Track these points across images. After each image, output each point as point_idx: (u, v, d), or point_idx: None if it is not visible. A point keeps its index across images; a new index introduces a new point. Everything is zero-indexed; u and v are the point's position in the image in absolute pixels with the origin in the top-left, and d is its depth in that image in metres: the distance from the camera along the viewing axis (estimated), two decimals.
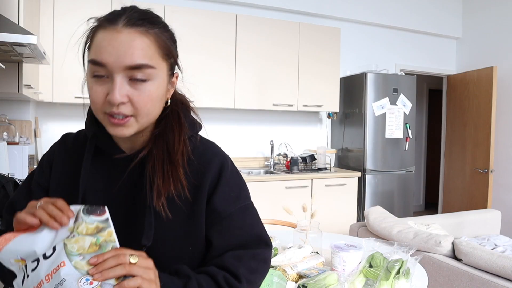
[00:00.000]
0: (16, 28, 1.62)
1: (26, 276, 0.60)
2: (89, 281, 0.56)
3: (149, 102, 0.69)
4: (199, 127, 0.86)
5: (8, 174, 1.90)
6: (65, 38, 2.90)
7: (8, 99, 2.83)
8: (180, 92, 0.83)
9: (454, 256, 2.11)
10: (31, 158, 2.76)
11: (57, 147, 0.84)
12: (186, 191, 0.74)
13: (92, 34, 0.69)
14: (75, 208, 0.64)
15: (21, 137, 2.64)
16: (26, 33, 1.61)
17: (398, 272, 1.31)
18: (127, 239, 0.67)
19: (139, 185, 0.74)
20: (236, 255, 0.74)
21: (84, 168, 0.74)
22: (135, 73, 0.66)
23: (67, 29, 2.90)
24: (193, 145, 0.80)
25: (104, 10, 2.66)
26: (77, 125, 3.38)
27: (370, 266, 1.38)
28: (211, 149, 0.84)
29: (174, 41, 0.78)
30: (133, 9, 0.71)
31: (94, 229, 0.61)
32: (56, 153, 0.82)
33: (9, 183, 1.38)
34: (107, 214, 0.63)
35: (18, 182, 1.42)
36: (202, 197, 0.75)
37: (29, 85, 2.22)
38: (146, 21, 0.71)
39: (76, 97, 2.93)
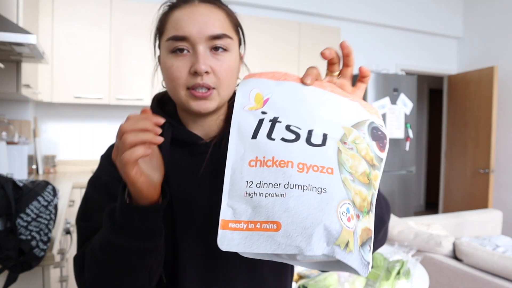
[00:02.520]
0: (15, 28, 1.61)
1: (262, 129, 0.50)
2: (349, 214, 0.44)
3: (229, 72, 0.71)
4: None
5: (7, 174, 1.89)
6: (64, 38, 2.90)
7: (7, 99, 2.82)
8: None
9: (455, 256, 2.10)
10: (30, 158, 2.76)
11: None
12: None
13: (164, 17, 0.71)
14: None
15: (20, 137, 2.63)
16: (25, 33, 1.60)
17: (398, 273, 1.30)
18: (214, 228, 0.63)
19: (220, 171, 0.67)
20: None
21: (165, 159, 0.67)
22: (216, 42, 0.68)
23: (66, 28, 2.90)
24: None
25: (103, 10, 2.66)
26: (76, 125, 3.39)
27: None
28: None
29: (239, 21, 0.79)
30: None
31: (371, 159, 0.51)
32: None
33: (8, 183, 1.37)
34: (384, 154, 0.52)
35: (17, 182, 1.42)
36: None
37: (28, 85, 2.21)
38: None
39: (75, 97, 2.92)
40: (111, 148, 0.78)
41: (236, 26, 0.75)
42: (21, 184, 1.42)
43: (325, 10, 4.11)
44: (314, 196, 0.44)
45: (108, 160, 0.73)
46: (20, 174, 2.27)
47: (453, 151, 4.74)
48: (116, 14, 3.01)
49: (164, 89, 0.79)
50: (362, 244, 0.45)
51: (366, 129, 0.52)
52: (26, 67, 2.24)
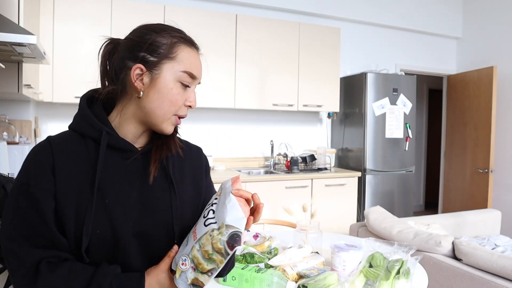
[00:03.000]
0: (16, 28, 1.62)
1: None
2: (185, 262, 0.77)
3: None
4: None
5: (8, 174, 1.90)
6: (65, 38, 2.90)
7: (8, 99, 2.83)
8: None
9: (454, 256, 2.11)
10: None
11: (55, 148, 0.80)
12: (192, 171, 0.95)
13: (176, 46, 0.82)
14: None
15: (21, 137, 2.64)
16: (26, 33, 1.61)
17: (398, 272, 1.31)
18: (156, 220, 0.82)
19: (145, 173, 0.84)
20: None
21: (100, 162, 0.78)
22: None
23: (67, 28, 2.90)
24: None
25: (104, 10, 2.66)
26: None
27: (370, 266, 1.38)
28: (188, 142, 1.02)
29: None
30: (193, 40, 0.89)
31: (219, 249, 0.74)
32: (56, 157, 0.78)
33: (9, 183, 1.38)
34: (232, 252, 0.74)
35: None
36: (204, 173, 1.00)
37: (29, 85, 2.22)
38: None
39: (76, 97, 2.93)
40: (38, 148, 0.81)
41: None
42: None
43: (325, 11, 4.11)
44: (182, 247, 0.80)
45: (36, 167, 0.78)
46: None
47: (453, 151, 4.75)
48: (117, 14, 3.02)
49: (90, 90, 0.90)
50: (190, 280, 0.76)
51: (229, 232, 0.74)
52: (27, 67, 2.25)
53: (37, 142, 3.02)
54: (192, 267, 0.76)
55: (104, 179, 0.79)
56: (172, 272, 0.79)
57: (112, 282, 0.73)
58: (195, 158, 0.98)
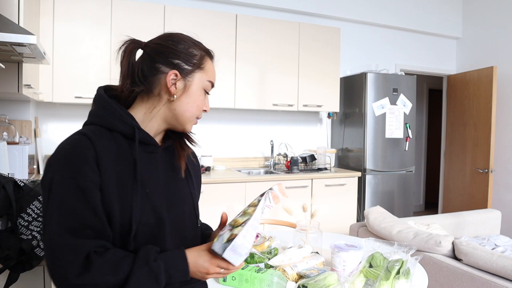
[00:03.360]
0: (16, 28, 1.62)
1: None
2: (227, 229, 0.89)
3: None
4: None
5: (8, 174, 1.90)
6: (65, 38, 2.90)
7: (8, 99, 2.82)
8: None
9: (454, 256, 2.11)
10: (31, 158, 2.76)
11: (95, 141, 0.81)
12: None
13: (205, 58, 0.94)
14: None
15: (21, 137, 2.64)
16: (26, 33, 1.61)
17: (398, 272, 1.31)
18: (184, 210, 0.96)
19: (174, 165, 0.96)
20: None
21: (137, 156, 0.85)
22: None
23: (67, 29, 2.90)
24: None
25: (104, 10, 2.67)
26: (77, 125, 3.38)
27: (370, 266, 1.38)
28: None
29: None
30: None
31: (253, 203, 0.92)
32: (98, 150, 0.80)
33: (9, 183, 1.38)
34: (264, 198, 0.92)
35: (18, 182, 1.42)
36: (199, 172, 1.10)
37: (29, 85, 2.22)
38: None
39: (76, 97, 2.93)
40: (76, 142, 0.81)
41: None
42: (22, 184, 1.42)
43: (324, 11, 4.11)
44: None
45: (80, 160, 0.79)
46: (21, 174, 2.27)
47: (453, 151, 4.75)
48: (117, 14, 3.02)
49: (105, 85, 0.98)
50: (226, 239, 0.82)
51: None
52: (27, 67, 2.25)
53: (37, 143, 3.02)
54: (229, 229, 0.85)
55: (139, 171, 0.87)
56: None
57: (156, 257, 0.80)
58: (194, 157, 1.09)
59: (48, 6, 2.84)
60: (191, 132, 0.99)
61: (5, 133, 2.48)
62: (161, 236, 0.87)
